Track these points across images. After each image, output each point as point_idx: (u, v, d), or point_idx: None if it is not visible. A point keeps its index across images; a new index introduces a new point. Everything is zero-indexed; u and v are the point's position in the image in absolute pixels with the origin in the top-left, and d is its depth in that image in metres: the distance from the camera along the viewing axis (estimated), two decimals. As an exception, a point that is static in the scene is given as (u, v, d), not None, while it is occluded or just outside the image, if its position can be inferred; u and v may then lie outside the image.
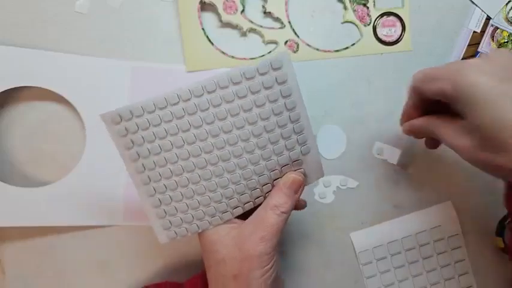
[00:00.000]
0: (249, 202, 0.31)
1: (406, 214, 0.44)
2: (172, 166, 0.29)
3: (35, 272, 0.42)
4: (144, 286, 0.39)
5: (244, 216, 0.32)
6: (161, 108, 0.27)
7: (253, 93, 0.28)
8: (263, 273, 0.29)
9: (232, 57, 0.42)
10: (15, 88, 0.39)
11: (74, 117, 0.41)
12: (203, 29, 0.41)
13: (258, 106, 0.29)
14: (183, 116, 0.28)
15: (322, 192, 0.43)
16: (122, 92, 0.41)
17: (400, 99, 0.44)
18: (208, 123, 0.28)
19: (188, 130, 0.28)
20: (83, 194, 0.41)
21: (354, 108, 0.43)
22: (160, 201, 0.30)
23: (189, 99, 0.28)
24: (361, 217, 0.44)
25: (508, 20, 0.42)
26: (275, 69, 0.28)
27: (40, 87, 0.39)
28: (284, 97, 0.29)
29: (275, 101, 0.29)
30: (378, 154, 0.43)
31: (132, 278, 0.42)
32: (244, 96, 0.28)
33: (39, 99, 0.41)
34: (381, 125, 0.43)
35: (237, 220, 0.32)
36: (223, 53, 0.42)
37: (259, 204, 0.31)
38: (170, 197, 0.30)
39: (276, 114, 0.29)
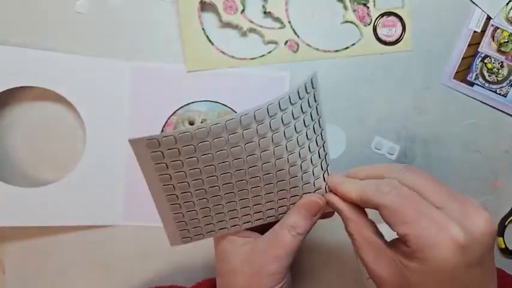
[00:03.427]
0: (272, 216, 0.31)
1: (406, 214, 0.44)
2: (206, 186, 0.27)
3: (35, 272, 0.42)
4: None
5: (261, 229, 0.31)
6: (201, 140, 0.25)
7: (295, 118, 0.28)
8: None
9: (232, 57, 0.42)
10: (15, 88, 0.39)
11: (74, 117, 0.41)
12: (203, 29, 0.41)
13: (297, 132, 0.28)
14: (223, 147, 0.26)
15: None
16: (122, 92, 0.41)
17: (401, 99, 0.44)
18: (249, 154, 0.26)
19: (226, 159, 0.26)
20: (83, 194, 0.41)
21: (354, 108, 0.43)
22: (183, 215, 0.29)
23: (235, 131, 0.25)
24: (361, 217, 0.44)
25: (509, 20, 0.42)
26: (309, 93, 0.28)
27: (40, 87, 0.39)
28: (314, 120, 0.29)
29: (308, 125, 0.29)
30: (377, 148, 0.43)
31: (132, 278, 0.42)
32: (289, 123, 0.27)
33: (39, 99, 0.41)
34: (381, 125, 0.43)
35: (252, 234, 0.31)
36: (223, 53, 0.42)
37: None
38: (196, 212, 0.29)
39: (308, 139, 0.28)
